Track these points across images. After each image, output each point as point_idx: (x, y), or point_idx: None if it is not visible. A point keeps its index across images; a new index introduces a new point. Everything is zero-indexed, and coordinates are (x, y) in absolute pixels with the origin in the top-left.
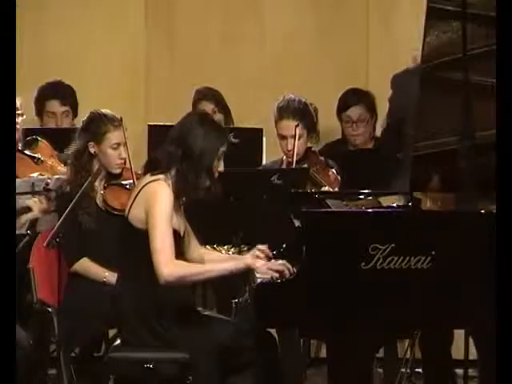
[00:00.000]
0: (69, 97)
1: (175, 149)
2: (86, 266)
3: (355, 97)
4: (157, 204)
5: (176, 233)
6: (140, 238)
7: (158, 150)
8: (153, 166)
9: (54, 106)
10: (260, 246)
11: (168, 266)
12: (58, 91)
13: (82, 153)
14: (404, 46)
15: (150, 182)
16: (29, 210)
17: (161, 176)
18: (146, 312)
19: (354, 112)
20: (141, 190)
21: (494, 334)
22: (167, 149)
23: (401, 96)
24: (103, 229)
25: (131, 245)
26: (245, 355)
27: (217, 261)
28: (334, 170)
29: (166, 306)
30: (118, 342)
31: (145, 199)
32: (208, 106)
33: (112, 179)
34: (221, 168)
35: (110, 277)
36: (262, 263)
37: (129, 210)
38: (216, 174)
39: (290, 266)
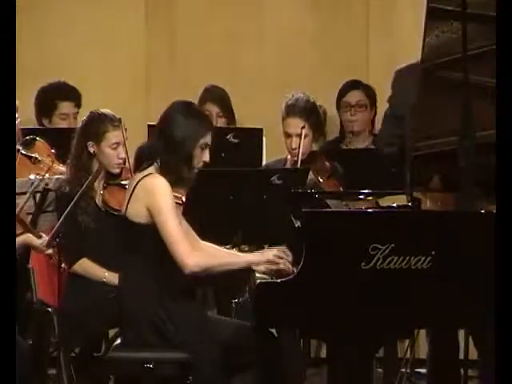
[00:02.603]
0: (79, 98)
1: (158, 139)
2: (86, 266)
3: (354, 84)
4: (160, 197)
5: None
6: (140, 233)
7: (144, 144)
8: (141, 161)
9: (68, 107)
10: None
11: (190, 256)
12: (70, 93)
13: (82, 153)
14: (404, 45)
15: (144, 177)
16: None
17: (151, 169)
18: (150, 310)
19: (353, 96)
20: (136, 186)
21: (493, 333)
22: (152, 141)
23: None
24: (103, 229)
25: (132, 241)
26: (246, 355)
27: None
28: (336, 181)
29: (169, 303)
30: (119, 341)
31: (143, 194)
32: (213, 108)
33: (111, 179)
34: (206, 159)
35: (110, 277)
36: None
37: (126, 207)
38: (199, 164)
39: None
